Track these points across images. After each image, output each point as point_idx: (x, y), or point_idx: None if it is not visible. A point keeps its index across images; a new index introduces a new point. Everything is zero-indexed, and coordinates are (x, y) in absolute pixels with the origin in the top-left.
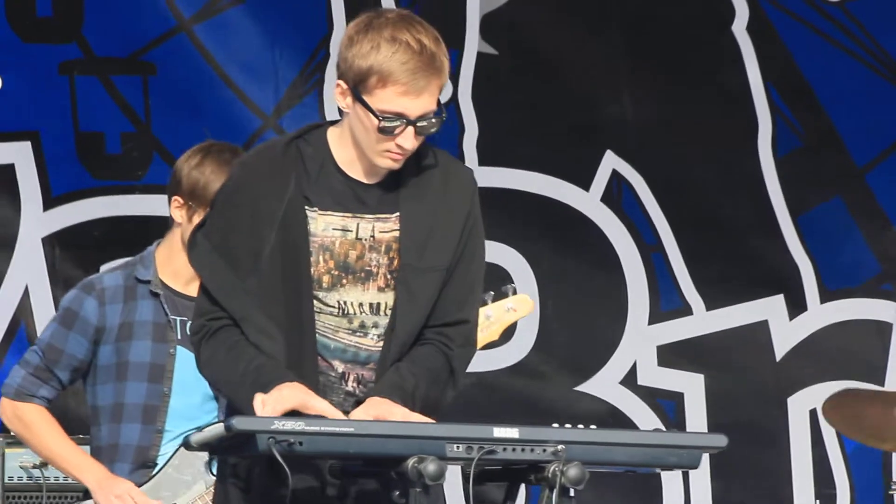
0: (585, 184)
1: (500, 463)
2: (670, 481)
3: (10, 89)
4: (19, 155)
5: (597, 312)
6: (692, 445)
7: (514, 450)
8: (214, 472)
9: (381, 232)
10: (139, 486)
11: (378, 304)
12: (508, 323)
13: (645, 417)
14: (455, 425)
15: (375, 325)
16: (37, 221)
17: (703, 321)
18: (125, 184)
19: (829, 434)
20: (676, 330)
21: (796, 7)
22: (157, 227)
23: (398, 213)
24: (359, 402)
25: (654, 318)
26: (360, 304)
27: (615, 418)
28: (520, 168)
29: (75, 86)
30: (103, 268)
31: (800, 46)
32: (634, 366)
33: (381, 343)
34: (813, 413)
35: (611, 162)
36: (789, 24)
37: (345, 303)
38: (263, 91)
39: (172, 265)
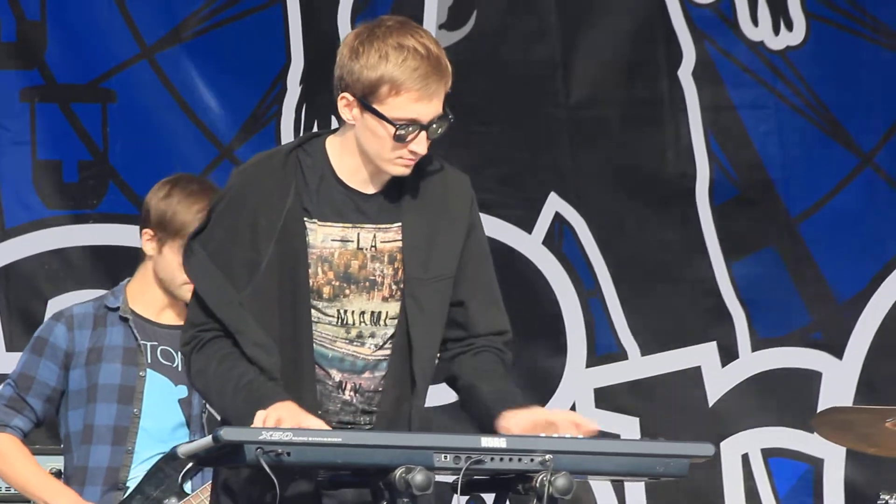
0: (528, 226)
1: (488, 473)
2: None
3: None
4: None
5: (537, 354)
6: (679, 454)
7: (501, 459)
8: (188, 489)
9: (382, 242)
10: None
11: (380, 313)
12: None
13: None
14: (443, 435)
15: (373, 335)
16: None
17: (638, 366)
18: (80, 213)
19: (762, 478)
20: (612, 374)
21: (739, 53)
22: (112, 257)
23: (399, 223)
24: (356, 412)
25: (591, 361)
26: (362, 314)
27: None
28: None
29: (35, 113)
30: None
31: (740, 93)
32: (573, 407)
33: (379, 353)
34: (745, 457)
35: (554, 204)
36: (733, 71)
37: (345, 312)
38: (222, 121)
39: (145, 297)
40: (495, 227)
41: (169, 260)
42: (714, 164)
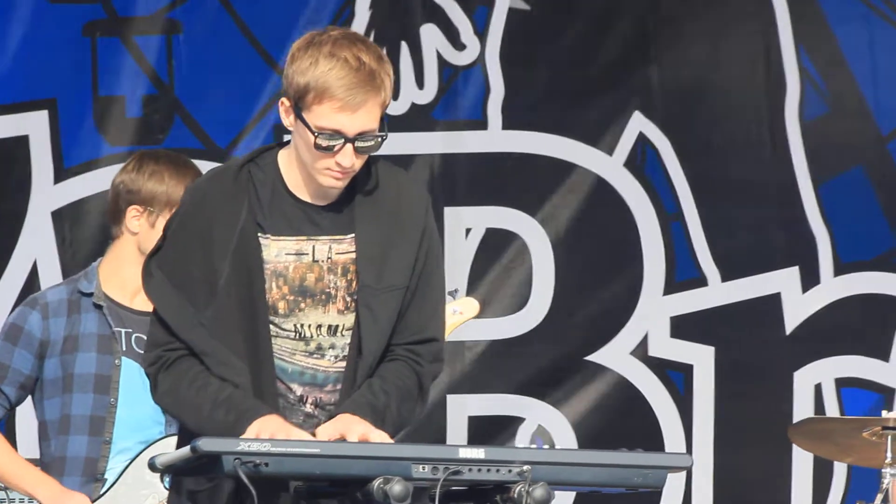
0: (610, 148)
1: (467, 483)
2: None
3: (31, 54)
4: (35, 125)
5: (611, 281)
6: (657, 465)
7: (479, 470)
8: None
9: (337, 253)
10: (93, 501)
11: (336, 325)
12: (455, 326)
13: (654, 389)
14: (421, 446)
15: (332, 347)
16: (46, 195)
17: (717, 293)
18: (144, 148)
19: (832, 410)
20: (691, 301)
21: None
22: None
23: (353, 235)
24: (319, 425)
25: (670, 288)
26: (319, 327)
27: (623, 389)
28: (544, 131)
29: (97, 48)
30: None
31: (832, 8)
32: (646, 336)
33: (339, 364)
34: (818, 388)
35: (637, 124)
36: None
37: (302, 326)
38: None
39: (119, 277)
40: (574, 150)
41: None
42: (805, 79)
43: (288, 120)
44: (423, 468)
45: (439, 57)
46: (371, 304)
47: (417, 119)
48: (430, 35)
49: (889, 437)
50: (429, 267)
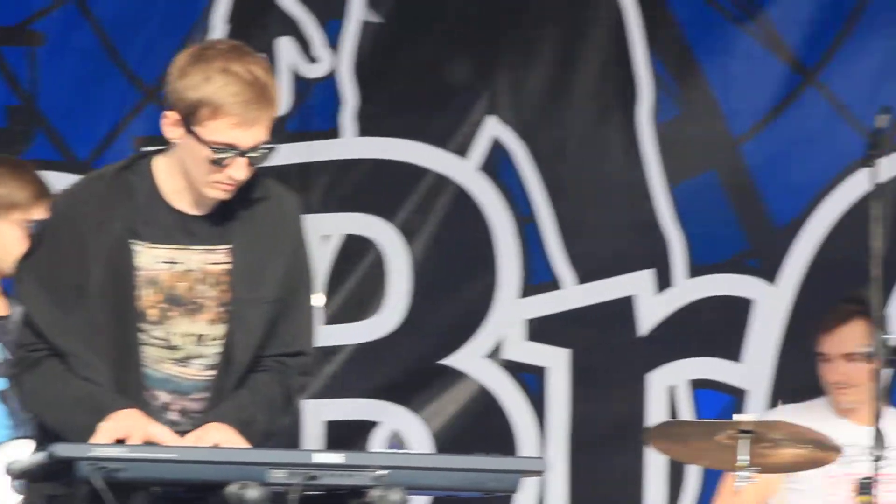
0: (464, 152)
1: (323, 488)
2: None
3: None
4: None
5: (467, 285)
6: (510, 469)
7: (336, 475)
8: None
9: (211, 264)
10: None
11: (204, 335)
12: None
13: (509, 393)
14: (277, 451)
15: (200, 356)
16: None
17: (572, 295)
18: None
19: (686, 411)
20: (546, 304)
21: None
22: None
23: (229, 246)
24: (183, 433)
25: (525, 291)
26: (187, 336)
27: (479, 393)
28: (399, 137)
29: None
30: None
31: (683, 13)
32: (502, 340)
33: (207, 373)
34: (672, 390)
35: (491, 128)
36: None
37: (171, 335)
38: (145, 65)
39: None
40: (429, 155)
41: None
42: (657, 82)
43: (175, 132)
44: (279, 473)
45: (293, 70)
46: (242, 316)
47: (272, 132)
48: (285, 48)
49: (741, 441)
50: (301, 280)
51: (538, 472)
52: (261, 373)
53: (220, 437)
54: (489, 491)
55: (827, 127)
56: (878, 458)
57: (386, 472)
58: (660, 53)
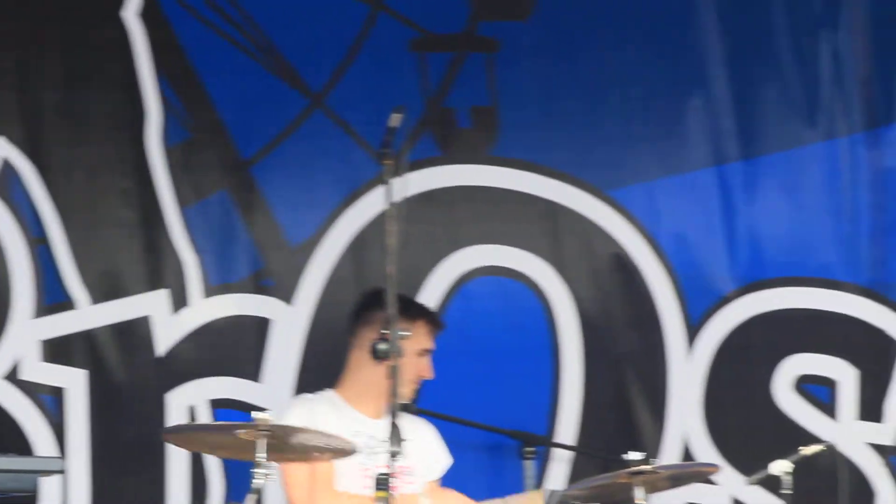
0: None
1: None
2: None
3: None
4: None
5: None
6: (27, 469)
7: None
8: None
9: None
10: None
11: None
12: None
13: (27, 414)
14: None
15: None
16: None
17: (87, 315)
18: None
19: None
20: (62, 324)
21: None
22: None
23: None
24: None
25: (40, 311)
26: None
27: None
28: None
29: None
30: None
31: (191, 37)
32: (18, 360)
33: None
34: (192, 409)
35: (1, 149)
36: (181, 14)
37: None
38: None
39: None
40: None
41: None
42: (165, 104)
43: None
44: None
45: None
46: None
47: None
48: None
49: (259, 440)
50: None
51: (57, 472)
52: None
53: None
54: (7, 491)
55: (336, 147)
56: (394, 454)
57: None
58: (167, 76)
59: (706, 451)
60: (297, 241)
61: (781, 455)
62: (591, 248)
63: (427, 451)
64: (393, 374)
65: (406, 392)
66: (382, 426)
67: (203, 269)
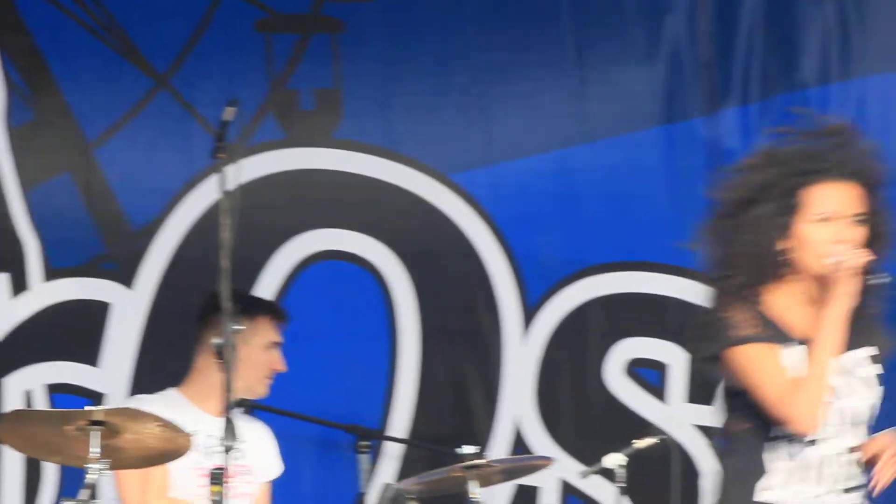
0: None
1: None
2: None
3: None
4: None
5: None
6: None
7: None
8: None
9: None
10: None
11: None
12: None
13: None
14: None
15: None
16: None
17: None
18: None
19: None
20: None
21: None
22: None
23: None
24: None
25: None
26: None
27: None
28: None
29: None
30: None
31: (34, 16)
32: None
33: None
34: (28, 394)
35: None
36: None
37: None
38: None
39: None
40: None
41: None
42: (10, 85)
43: None
44: None
45: None
46: None
47: None
48: None
49: (92, 433)
50: None
51: None
52: None
53: None
54: None
55: (180, 130)
56: (228, 449)
57: None
58: (10, 55)
59: (538, 437)
60: (139, 224)
61: (612, 439)
62: (432, 232)
63: (264, 452)
64: (227, 368)
65: (259, 388)
66: (217, 423)
67: (44, 253)
